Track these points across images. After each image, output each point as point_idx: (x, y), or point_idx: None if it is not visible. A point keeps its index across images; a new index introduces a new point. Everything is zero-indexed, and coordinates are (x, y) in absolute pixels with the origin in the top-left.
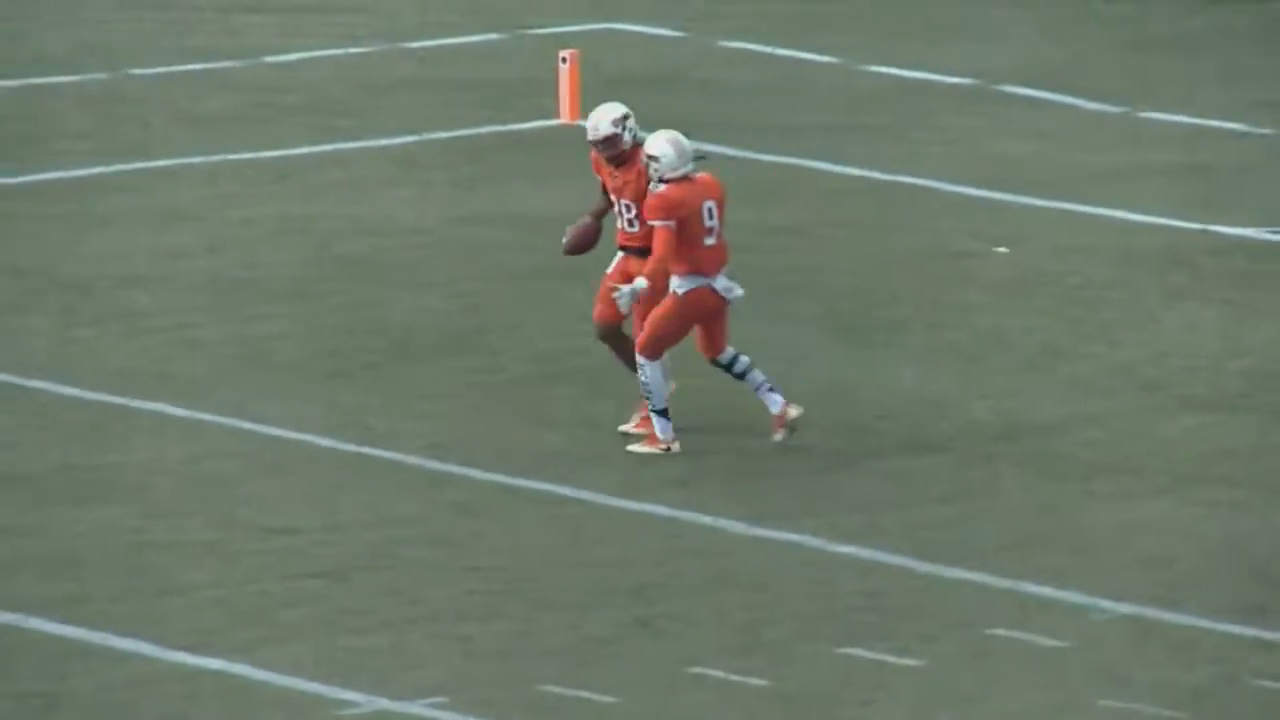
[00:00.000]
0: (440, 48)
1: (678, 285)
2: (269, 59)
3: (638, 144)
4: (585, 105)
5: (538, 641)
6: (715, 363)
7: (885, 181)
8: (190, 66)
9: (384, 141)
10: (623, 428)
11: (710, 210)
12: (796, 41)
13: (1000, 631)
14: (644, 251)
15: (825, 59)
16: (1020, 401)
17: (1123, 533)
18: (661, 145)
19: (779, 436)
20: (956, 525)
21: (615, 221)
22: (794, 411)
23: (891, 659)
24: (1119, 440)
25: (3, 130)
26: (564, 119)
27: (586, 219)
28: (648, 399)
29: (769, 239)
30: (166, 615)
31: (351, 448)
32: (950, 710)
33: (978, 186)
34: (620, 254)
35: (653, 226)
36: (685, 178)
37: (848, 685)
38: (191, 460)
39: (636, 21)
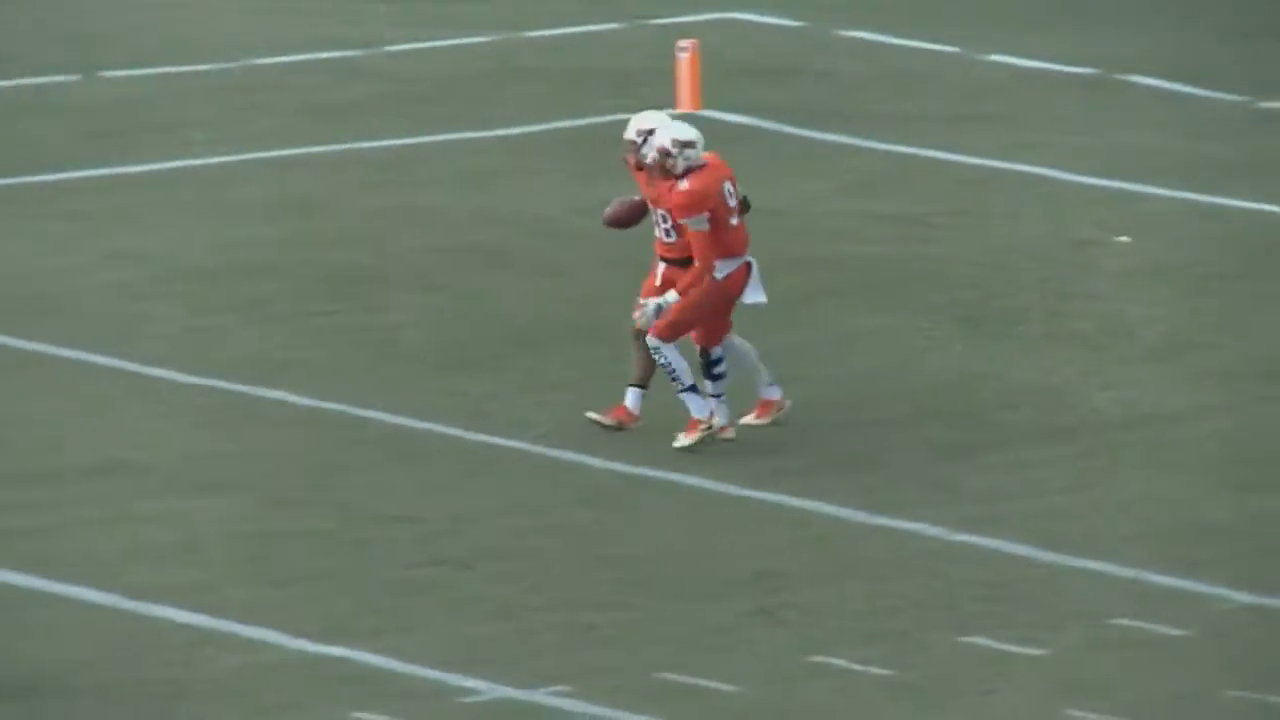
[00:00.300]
0: (561, 37)
1: (718, 270)
2: (392, 48)
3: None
4: (705, 95)
5: (659, 630)
6: (705, 353)
7: (1005, 171)
8: (314, 56)
9: (506, 131)
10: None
11: (729, 189)
12: (916, 31)
13: (1123, 621)
14: (683, 262)
15: (945, 48)
16: (1142, 392)
17: (1245, 523)
18: (693, 131)
19: (681, 442)
20: (1079, 515)
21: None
22: (730, 434)
23: (1014, 648)
24: (1241, 431)
25: (132, 120)
26: (684, 109)
27: (636, 197)
28: (674, 380)
29: (888, 229)
30: (290, 603)
31: (476, 437)
32: (1073, 700)
33: (1099, 176)
34: (662, 264)
35: (687, 229)
36: (700, 165)
37: (970, 675)
38: (316, 448)
39: (756, 11)
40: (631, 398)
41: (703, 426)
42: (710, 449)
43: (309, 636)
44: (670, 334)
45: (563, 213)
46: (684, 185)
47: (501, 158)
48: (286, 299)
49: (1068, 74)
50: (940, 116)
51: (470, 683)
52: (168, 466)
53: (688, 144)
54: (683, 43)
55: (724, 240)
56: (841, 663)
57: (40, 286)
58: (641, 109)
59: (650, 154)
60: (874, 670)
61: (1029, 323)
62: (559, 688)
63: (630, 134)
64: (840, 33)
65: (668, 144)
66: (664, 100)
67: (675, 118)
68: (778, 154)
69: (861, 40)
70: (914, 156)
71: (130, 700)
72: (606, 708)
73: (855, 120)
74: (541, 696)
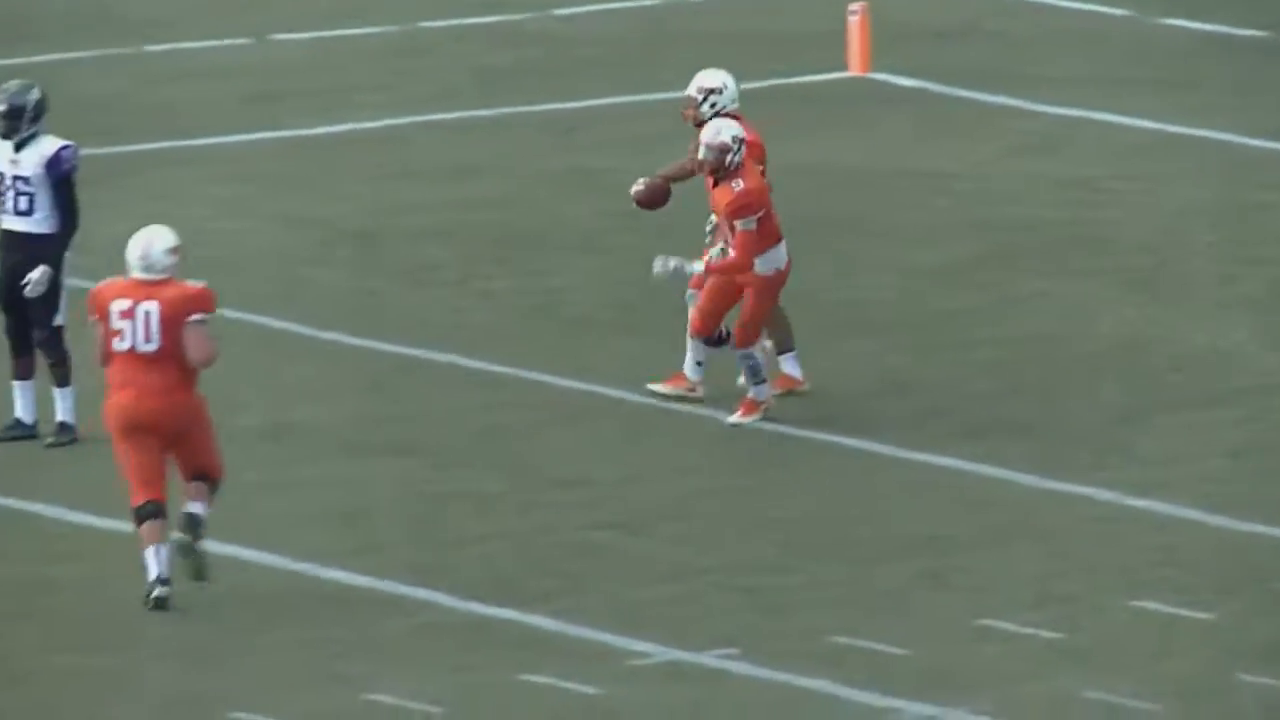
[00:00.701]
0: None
1: (776, 261)
2: (558, 11)
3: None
4: (875, 58)
5: (827, 593)
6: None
7: (1177, 134)
8: (481, 19)
9: (673, 94)
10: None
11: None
12: None
13: None
14: None
15: (1116, 11)
16: None
17: None
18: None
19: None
20: (1249, 479)
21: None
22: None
23: (1185, 612)
24: None
25: (298, 83)
26: (853, 71)
27: (657, 179)
28: (757, 379)
29: (1060, 192)
30: (459, 565)
31: (643, 400)
32: (1244, 664)
33: (1270, 139)
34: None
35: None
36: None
37: (1140, 638)
38: (483, 411)
39: None
40: (789, 365)
41: (762, 407)
42: (882, 412)
43: (478, 599)
44: (751, 338)
45: None
46: (739, 185)
47: (667, 121)
48: (454, 262)
49: (1238, 37)
50: (1111, 79)
51: (639, 645)
52: (337, 429)
53: (744, 140)
54: (853, 5)
55: (770, 228)
56: (1011, 626)
57: (210, 250)
58: (809, 73)
59: (707, 152)
60: (1044, 634)
61: (1200, 286)
62: (727, 650)
63: (691, 90)
64: None
65: (728, 140)
66: (834, 63)
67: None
68: (947, 117)
69: (1032, 2)
70: (1084, 119)
71: (298, 662)
72: (776, 670)
73: (1025, 83)
74: (710, 659)
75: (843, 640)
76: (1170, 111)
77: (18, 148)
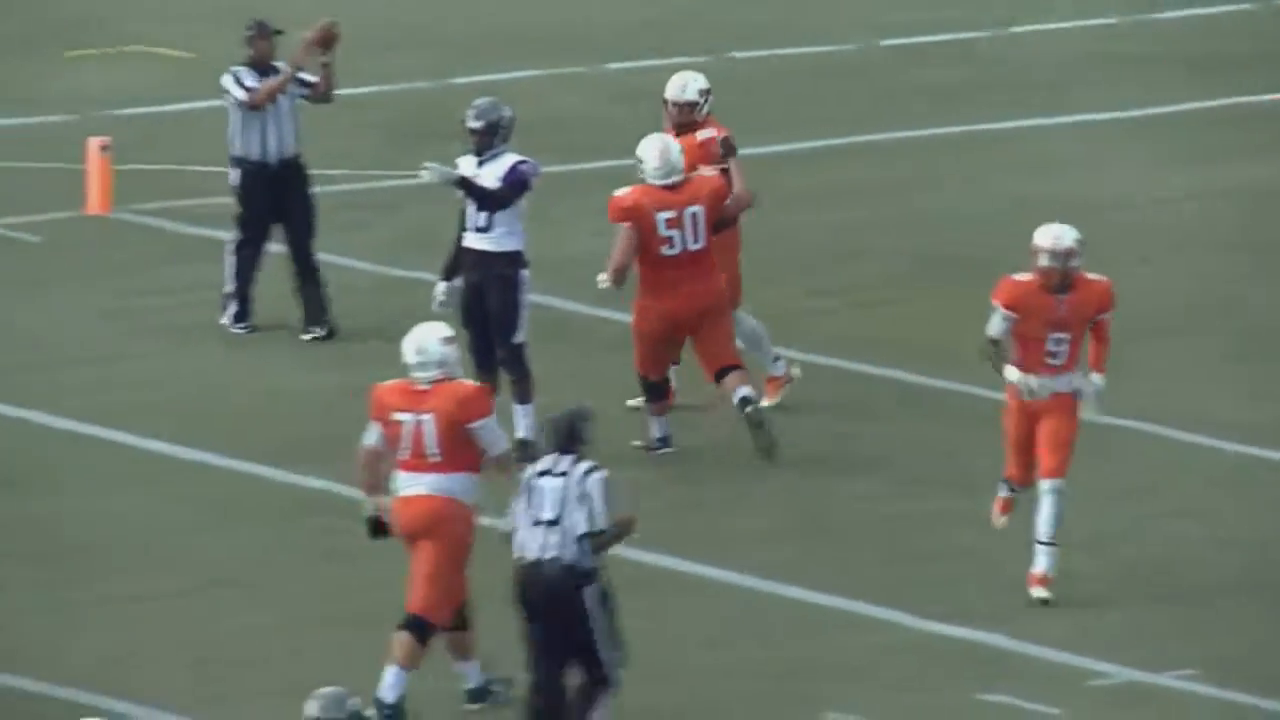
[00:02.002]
0: (1189, 18)
1: None
2: (1015, 30)
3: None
4: None
5: None
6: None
7: None
8: (935, 37)
9: (1124, 114)
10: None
11: None
12: None
13: None
14: None
15: None
16: None
17: None
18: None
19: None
20: None
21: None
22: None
23: None
24: None
25: (749, 100)
26: None
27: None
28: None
29: None
30: (918, 584)
31: (1092, 419)
32: None
33: None
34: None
35: None
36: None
37: None
38: (942, 430)
39: None
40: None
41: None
42: None
43: (936, 618)
44: None
45: (1176, 196)
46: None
47: (1116, 141)
48: (881, 281)
49: None
50: None
51: (1098, 666)
52: (794, 445)
53: None
54: None
55: None
56: None
57: None
58: (1262, 91)
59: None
60: None
61: None
62: (1186, 671)
63: (689, 94)
64: None
65: None
66: None
67: None
68: None
69: None
70: None
71: (756, 679)
72: (1237, 692)
73: None
74: (1169, 680)
75: None
76: None
77: (481, 163)
